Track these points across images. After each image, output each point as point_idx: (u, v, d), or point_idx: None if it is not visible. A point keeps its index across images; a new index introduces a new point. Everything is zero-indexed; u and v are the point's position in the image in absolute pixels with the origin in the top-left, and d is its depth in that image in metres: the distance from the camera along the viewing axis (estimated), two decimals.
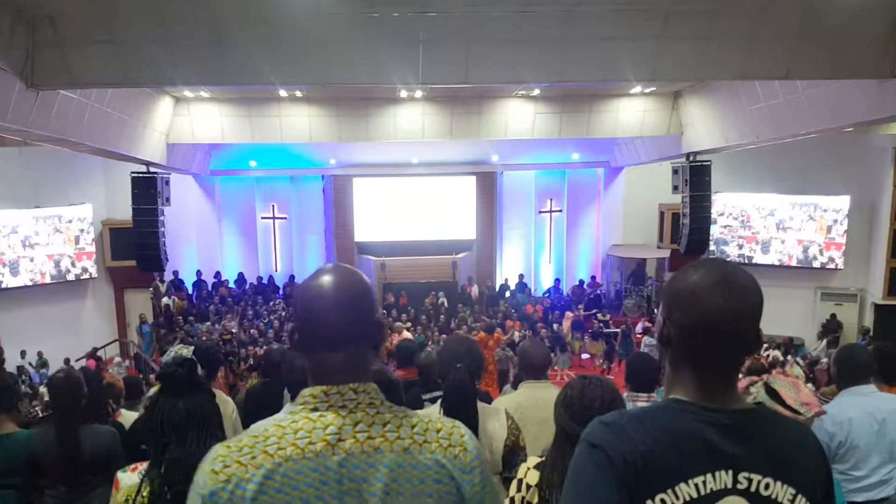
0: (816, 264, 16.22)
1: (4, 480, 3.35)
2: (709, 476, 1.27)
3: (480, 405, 2.90)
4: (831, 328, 15.73)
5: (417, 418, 1.37)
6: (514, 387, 4.42)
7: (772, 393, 2.28)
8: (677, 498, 1.26)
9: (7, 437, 3.67)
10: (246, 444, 1.30)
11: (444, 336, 13.92)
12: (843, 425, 3.22)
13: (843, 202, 15.75)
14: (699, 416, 1.30)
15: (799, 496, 1.30)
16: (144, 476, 2.07)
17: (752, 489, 1.28)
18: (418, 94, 12.82)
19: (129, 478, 2.35)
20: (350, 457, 1.28)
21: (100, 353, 14.42)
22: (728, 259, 16.62)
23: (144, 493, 2.07)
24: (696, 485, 1.26)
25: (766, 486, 1.28)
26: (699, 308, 1.30)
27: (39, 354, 13.74)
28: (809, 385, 3.64)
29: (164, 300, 16.19)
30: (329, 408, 1.32)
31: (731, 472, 1.28)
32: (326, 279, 1.37)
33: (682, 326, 1.33)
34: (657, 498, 1.26)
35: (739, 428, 1.30)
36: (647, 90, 12.98)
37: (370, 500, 1.27)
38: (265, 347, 12.58)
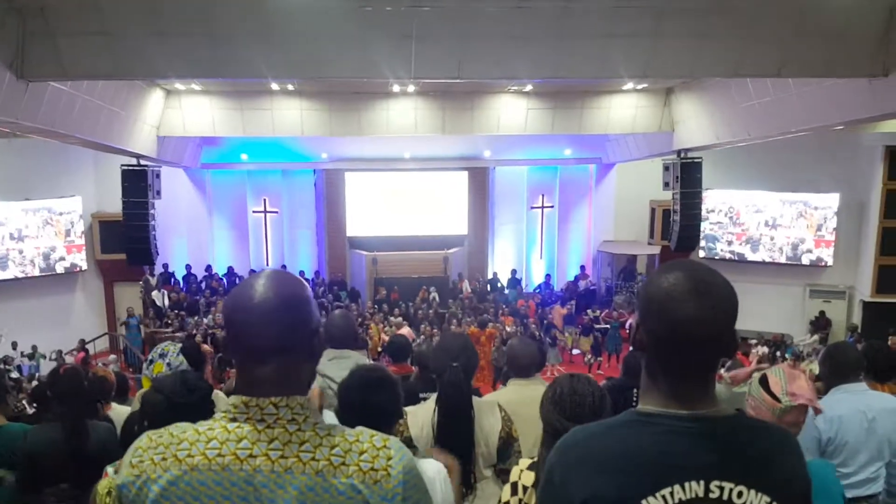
0: (805, 261, 16.32)
1: None
2: (677, 487, 1.25)
3: (476, 400, 2.91)
4: (820, 325, 15.84)
5: (342, 438, 1.28)
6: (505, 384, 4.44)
7: (764, 380, 2.30)
8: None
9: None
10: (163, 441, 1.27)
11: (435, 331, 13.92)
12: (833, 422, 3.24)
13: (832, 200, 15.84)
14: (669, 426, 1.29)
15: None
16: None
17: (725, 497, 1.26)
18: (410, 88, 12.80)
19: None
20: (258, 474, 1.22)
21: (88, 346, 14.35)
22: (716, 257, 16.73)
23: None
24: (663, 497, 1.25)
25: (740, 495, 1.27)
26: (672, 316, 1.27)
27: (34, 348, 13.66)
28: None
29: (155, 293, 16.12)
30: (247, 420, 1.26)
31: (702, 481, 1.26)
32: (255, 287, 1.30)
33: (655, 333, 1.31)
34: None
35: (711, 435, 1.28)
36: (640, 87, 13.00)
37: None
38: None
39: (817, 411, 2.38)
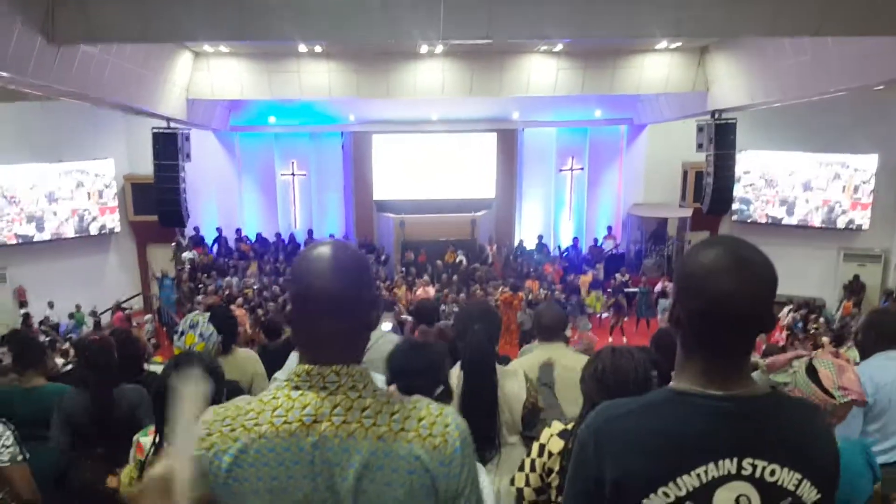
0: (840, 224, 16.01)
1: (37, 432, 3.46)
2: (710, 465, 1.28)
3: (499, 367, 2.92)
4: (854, 289, 15.58)
5: (400, 405, 1.33)
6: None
7: (812, 372, 2.24)
8: (679, 489, 1.28)
9: (36, 390, 3.78)
10: (230, 414, 1.31)
11: (461, 296, 13.95)
12: (880, 388, 3.20)
13: (870, 161, 15.46)
14: (703, 406, 1.30)
15: (805, 482, 1.30)
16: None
17: (757, 475, 1.28)
18: (439, 49, 12.66)
19: (149, 442, 2.38)
20: (324, 440, 1.27)
21: (124, 305, 14.67)
22: (748, 220, 16.48)
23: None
24: (697, 475, 1.28)
25: (772, 473, 1.28)
26: (710, 293, 1.27)
27: (77, 307, 14.03)
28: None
29: (187, 255, 16.35)
30: (310, 388, 1.31)
31: (735, 459, 1.28)
32: (324, 249, 1.36)
33: (693, 310, 1.31)
34: (659, 491, 1.29)
35: (745, 414, 1.29)
36: (673, 46, 12.69)
37: (341, 483, 1.26)
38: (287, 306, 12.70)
39: (862, 404, 2.34)
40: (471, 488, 1.35)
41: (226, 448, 1.27)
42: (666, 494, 1.28)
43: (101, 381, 3.43)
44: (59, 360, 7.81)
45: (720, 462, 1.27)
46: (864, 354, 3.49)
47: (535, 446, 2.39)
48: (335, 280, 1.32)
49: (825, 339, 10.50)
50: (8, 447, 2.86)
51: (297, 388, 1.31)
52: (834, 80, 9.35)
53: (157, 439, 2.06)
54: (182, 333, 3.40)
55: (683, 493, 1.28)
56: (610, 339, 13.68)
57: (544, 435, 2.38)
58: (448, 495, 1.31)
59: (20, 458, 2.89)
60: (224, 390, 2.14)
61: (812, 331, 12.81)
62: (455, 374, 2.86)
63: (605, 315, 15.23)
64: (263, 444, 1.26)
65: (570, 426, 2.34)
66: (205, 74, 12.92)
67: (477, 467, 1.39)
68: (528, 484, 2.37)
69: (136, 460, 2.22)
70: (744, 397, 1.30)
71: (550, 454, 2.32)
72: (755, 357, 4.48)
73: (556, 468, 2.29)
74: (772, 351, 5.86)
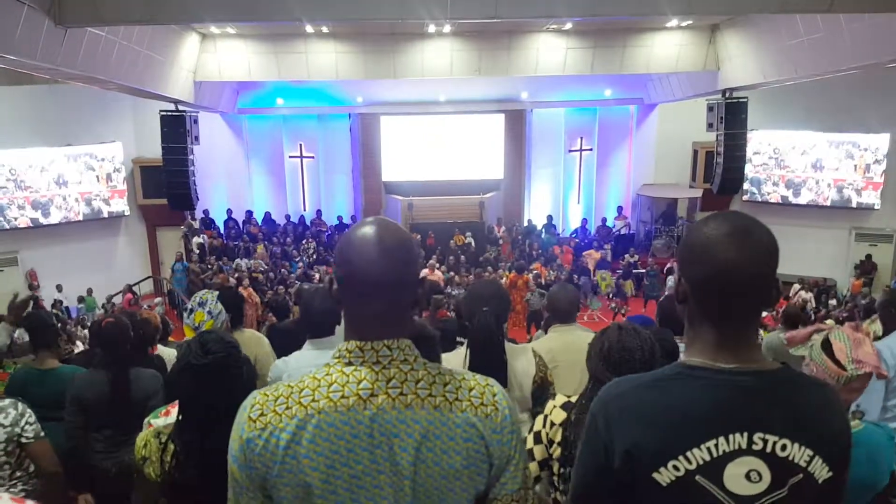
0: (852, 204, 15.88)
1: (52, 414, 3.49)
2: (721, 439, 1.28)
3: (508, 345, 2.92)
4: (866, 269, 15.49)
5: (450, 376, 1.37)
6: (546, 331, 4.45)
7: (827, 345, 2.22)
8: (689, 462, 1.28)
9: (51, 371, 3.82)
10: (282, 393, 1.33)
11: (470, 277, 13.94)
12: None
13: (882, 140, 15.31)
14: (713, 380, 1.31)
15: (816, 458, 1.29)
16: (169, 437, 2.09)
17: (768, 450, 1.28)
18: (446, 28, 12.56)
19: (162, 423, 2.40)
20: (382, 412, 1.29)
21: (134, 288, 14.74)
22: (759, 200, 16.37)
23: (155, 448, 2.10)
24: (707, 448, 1.28)
25: (783, 448, 1.28)
26: (712, 261, 1.29)
27: (89, 291, 14.12)
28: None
29: (197, 240, 16.38)
30: (363, 363, 1.33)
31: (745, 433, 1.28)
32: (371, 227, 1.36)
33: (697, 281, 1.33)
34: (669, 464, 1.29)
35: (756, 389, 1.30)
36: (684, 24, 12.55)
37: (401, 454, 1.28)
38: (296, 286, 12.77)
39: (882, 377, 2.32)
40: (519, 454, 1.39)
41: (283, 426, 1.29)
42: (676, 468, 1.28)
43: (116, 361, 3.46)
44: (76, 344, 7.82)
45: (731, 436, 1.28)
46: (887, 330, 3.50)
47: (540, 419, 2.40)
48: (382, 263, 1.33)
49: (829, 322, 10.42)
50: (31, 424, 2.93)
51: (349, 363, 1.34)
52: (847, 57, 9.22)
53: (181, 417, 2.08)
54: (191, 311, 3.41)
55: (693, 466, 1.28)
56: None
57: (548, 407, 2.40)
58: (501, 462, 1.35)
59: (42, 434, 2.97)
60: (244, 365, 2.15)
61: (822, 311, 12.75)
62: (462, 354, 2.86)
63: (612, 295, 15.16)
64: (322, 418, 1.28)
65: (572, 398, 2.35)
66: (212, 56, 12.89)
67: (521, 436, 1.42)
68: (532, 458, 2.37)
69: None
70: (754, 371, 1.31)
71: (553, 424, 2.33)
72: (780, 334, 4.46)
73: (558, 439, 2.30)
74: (790, 312, 5.85)
